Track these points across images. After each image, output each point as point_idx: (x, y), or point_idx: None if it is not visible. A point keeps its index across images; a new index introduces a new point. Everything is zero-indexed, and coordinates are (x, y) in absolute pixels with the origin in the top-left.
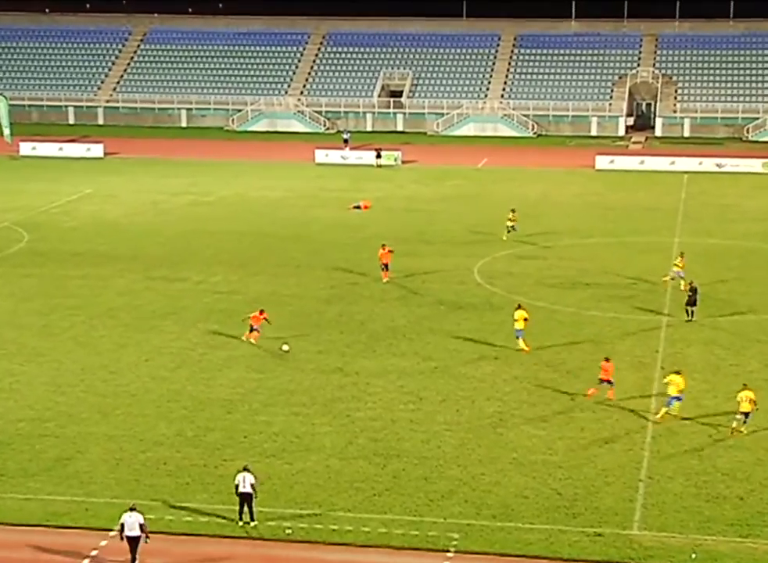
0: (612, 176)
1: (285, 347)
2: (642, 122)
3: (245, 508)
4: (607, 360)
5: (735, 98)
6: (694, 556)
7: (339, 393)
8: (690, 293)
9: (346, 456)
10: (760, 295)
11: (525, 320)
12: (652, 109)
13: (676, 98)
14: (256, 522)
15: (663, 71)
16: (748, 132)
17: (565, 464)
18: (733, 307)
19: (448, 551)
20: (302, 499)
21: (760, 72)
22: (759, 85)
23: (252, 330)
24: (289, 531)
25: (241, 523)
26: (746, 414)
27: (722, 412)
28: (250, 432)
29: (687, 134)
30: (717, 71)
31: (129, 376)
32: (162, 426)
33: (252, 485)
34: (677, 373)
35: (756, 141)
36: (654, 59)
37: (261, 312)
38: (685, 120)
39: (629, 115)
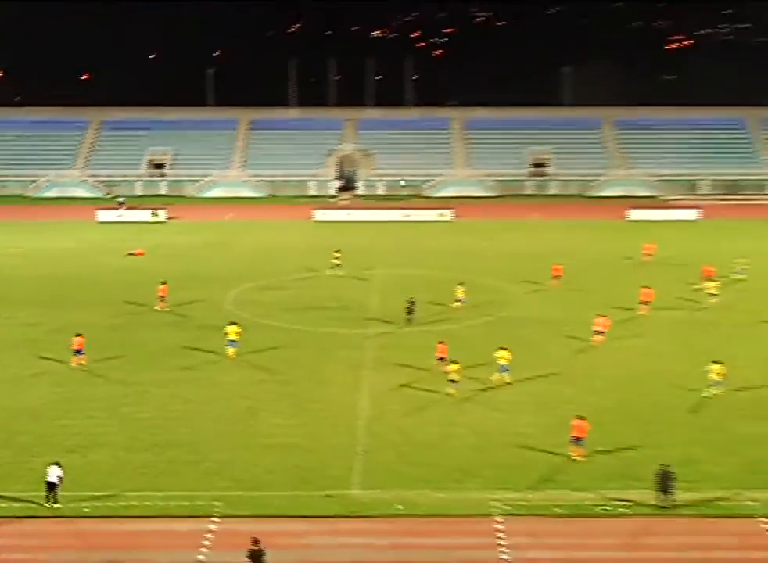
0: (328, 225)
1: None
2: (349, 184)
3: (52, 494)
4: (441, 342)
5: (416, 166)
6: (399, 506)
7: (124, 400)
8: (409, 305)
9: (131, 448)
10: (441, 313)
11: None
12: (356, 174)
13: (372, 166)
14: (60, 505)
15: (362, 146)
16: (425, 190)
17: (303, 444)
18: (420, 321)
19: (213, 516)
20: (97, 484)
21: (433, 146)
22: (433, 156)
23: (77, 353)
24: (87, 509)
25: (48, 505)
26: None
27: (419, 403)
28: (54, 433)
29: (382, 192)
30: (402, 146)
31: None
32: None
33: (58, 477)
34: (504, 349)
35: (431, 197)
36: (356, 137)
37: (79, 335)
38: (380, 183)
39: (338, 179)
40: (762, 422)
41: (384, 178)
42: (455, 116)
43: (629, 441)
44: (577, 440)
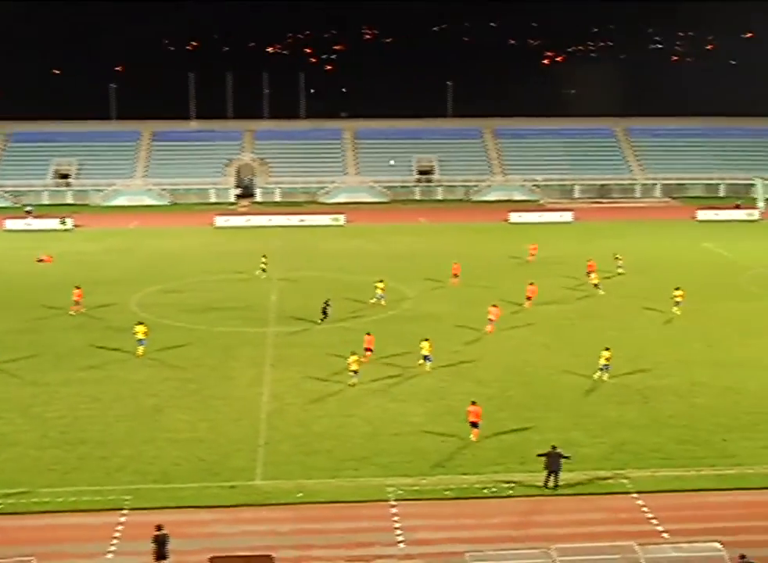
0: (228, 231)
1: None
2: (247, 191)
3: None
4: (368, 333)
5: (310, 174)
6: (300, 494)
7: (34, 400)
8: (325, 306)
9: (42, 446)
10: (333, 310)
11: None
12: (254, 182)
13: (269, 174)
14: None
15: (259, 155)
16: (319, 196)
17: (206, 438)
18: (310, 319)
19: (123, 509)
20: (10, 481)
21: (326, 155)
22: (326, 164)
23: None
24: (1, 506)
25: None
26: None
27: (318, 396)
28: None
29: (278, 199)
30: (297, 155)
31: None
32: None
33: None
34: (426, 340)
35: (325, 203)
36: (253, 147)
37: None
38: (276, 189)
39: (237, 187)
40: (627, 407)
41: (280, 185)
42: (346, 126)
43: (513, 426)
44: (474, 425)
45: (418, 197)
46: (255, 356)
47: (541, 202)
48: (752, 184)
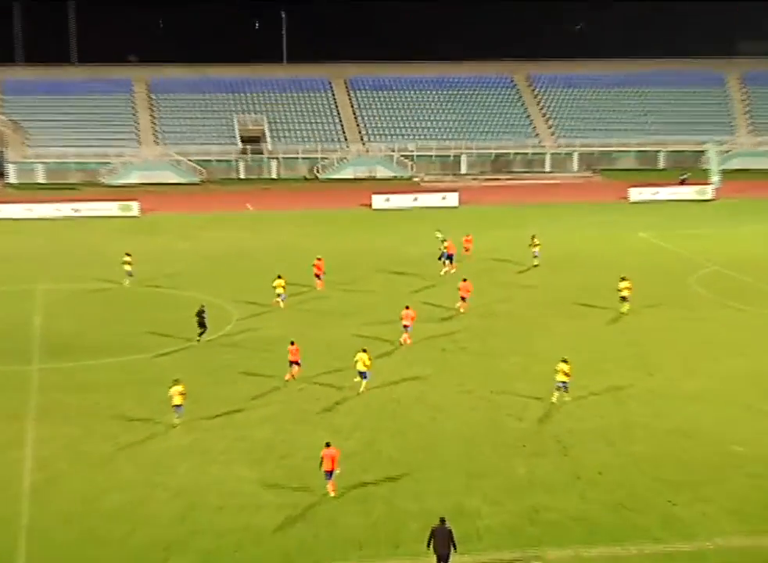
0: None
1: None
2: None
3: None
4: (292, 343)
5: (85, 143)
6: None
7: None
8: (200, 315)
9: None
10: (127, 336)
11: None
12: (3, 156)
13: (26, 144)
14: None
15: (11, 117)
16: (102, 176)
17: None
18: (103, 351)
19: None
20: None
21: (109, 116)
22: (106, 129)
23: None
24: None
25: None
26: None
27: (106, 459)
28: None
29: (41, 180)
30: (66, 116)
31: None
32: None
33: None
34: (364, 351)
35: (111, 185)
36: (1, 105)
37: None
38: (38, 166)
39: None
40: (539, 459)
41: (43, 161)
42: (137, 76)
43: (382, 493)
44: (329, 474)
45: (242, 175)
46: (11, 406)
47: (416, 179)
48: (703, 152)
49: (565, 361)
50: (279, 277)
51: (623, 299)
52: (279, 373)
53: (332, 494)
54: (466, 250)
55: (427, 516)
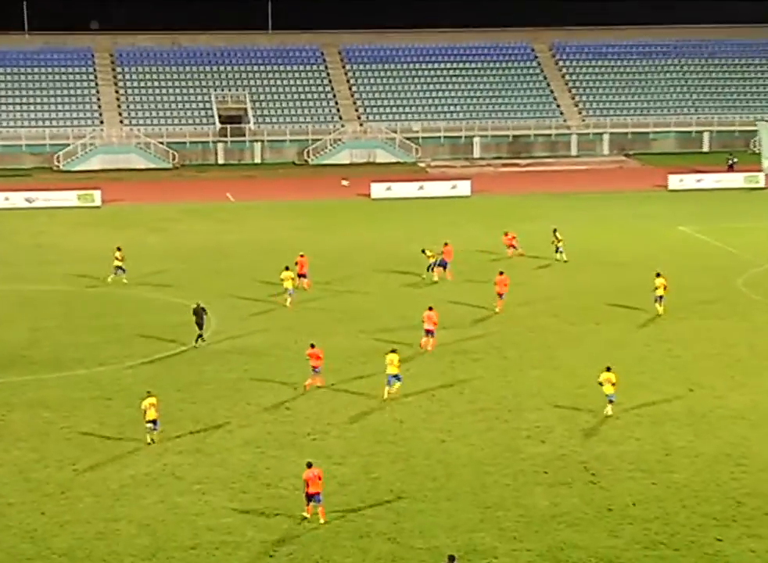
0: None
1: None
2: None
3: None
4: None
5: (39, 121)
6: None
7: None
8: (197, 315)
9: None
10: (87, 347)
11: None
12: None
13: None
14: None
15: None
16: (59, 161)
17: None
18: (59, 363)
19: None
20: None
21: (67, 91)
22: (62, 106)
23: None
24: None
25: None
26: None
27: (60, 489)
28: None
29: None
30: (19, 90)
31: None
32: None
33: None
34: (393, 352)
35: (69, 171)
36: None
37: None
38: None
39: None
40: (564, 489)
41: None
42: (99, 44)
43: (381, 528)
44: (310, 497)
45: (221, 160)
46: None
47: (421, 165)
48: (755, 132)
49: (608, 370)
50: (287, 268)
51: (659, 299)
52: (264, 388)
53: (322, 520)
54: (512, 247)
55: (435, 555)
